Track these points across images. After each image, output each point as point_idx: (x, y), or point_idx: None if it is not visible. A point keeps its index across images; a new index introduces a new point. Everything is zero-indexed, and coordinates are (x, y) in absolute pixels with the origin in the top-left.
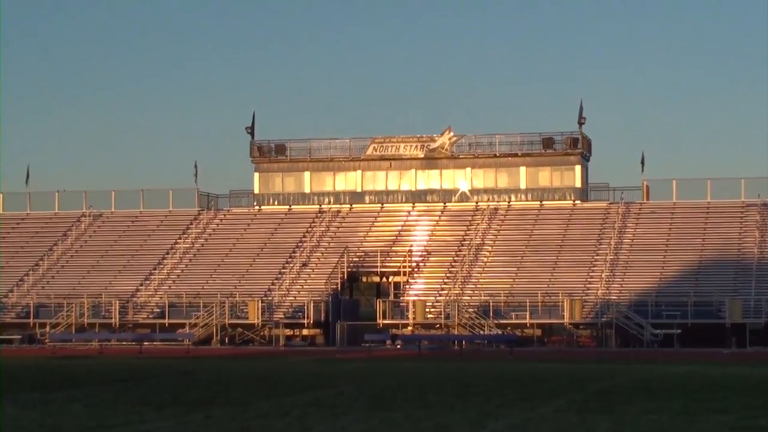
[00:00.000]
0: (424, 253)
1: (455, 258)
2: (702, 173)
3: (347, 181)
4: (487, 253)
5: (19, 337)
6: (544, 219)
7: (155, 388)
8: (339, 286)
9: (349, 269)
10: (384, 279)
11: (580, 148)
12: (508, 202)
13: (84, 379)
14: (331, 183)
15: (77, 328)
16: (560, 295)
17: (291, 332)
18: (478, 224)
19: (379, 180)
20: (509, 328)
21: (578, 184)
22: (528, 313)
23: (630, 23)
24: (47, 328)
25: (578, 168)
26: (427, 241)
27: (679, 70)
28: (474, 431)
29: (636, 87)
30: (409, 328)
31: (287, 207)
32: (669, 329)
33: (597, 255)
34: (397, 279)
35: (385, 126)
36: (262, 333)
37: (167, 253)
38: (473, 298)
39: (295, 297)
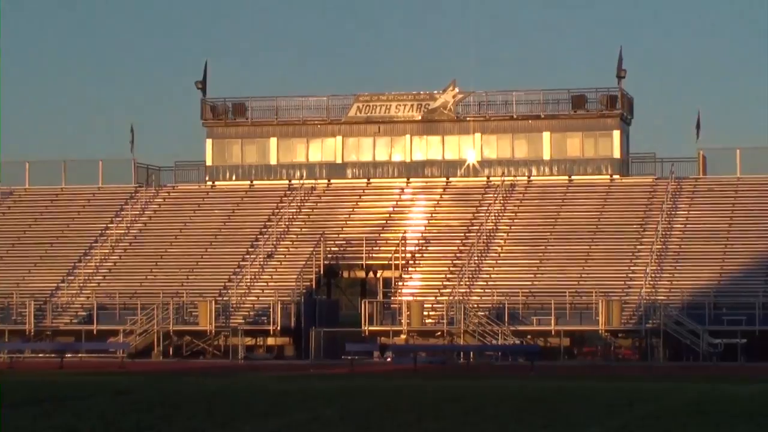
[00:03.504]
0: (421, 242)
1: (461, 248)
2: None
3: (324, 149)
4: (502, 241)
5: None
6: (573, 198)
7: (82, 411)
8: (314, 283)
9: (326, 262)
10: (371, 274)
11: (619, 109)
12: (528, 177)
13: None
14: (303, 152)
15: None
16: (594, 294)
17: (252, 341)
18: (490, 205)
19: (365, 148)
20: (529, 336)
21: (617, 153)
22: (553, 317)
23: None
24: None
25: (617, 134)
26: (426, 225)
27: (743, 11)
28: None
29: (689, 31)
30: (403, 336)
31: (248, 182)
32: (731, 338)
33: (640, 244)
34: (387, 274)
35: (373, 80)
36: (216, 342)
37: (96, 241)
38: (484, 298)
39: (257, 297)
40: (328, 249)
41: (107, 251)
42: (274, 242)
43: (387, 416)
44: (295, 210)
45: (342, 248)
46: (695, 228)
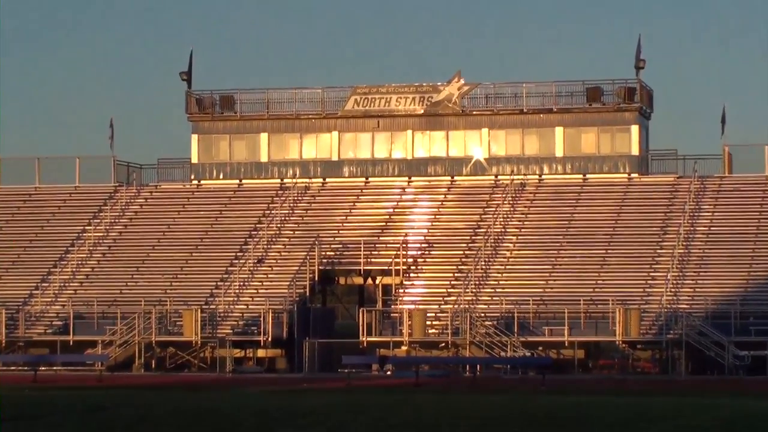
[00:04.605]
0: (424, 245)
1: (467, 252)
2: None
3: (319, 145)
4: (511, 245)
5: None
6: (588, 198)
7: (56, 429)
8: (307, 290)
9: (321, 267)
10: (369, 280)
11: (637, 102)
12: (540, 175)
13: None
14: (296, 149)
15: None
16: (610, 302)
17: (241, 353)
18: (498, 205)
19: (363, 145)
20: (541, 348)
21: (635, 150)
22: (566, 327)
23: None
24: None
25: (635, 129)
26: (429, 228)
27: None
28: None
29: (713, 18)
30: (404, 347)
31: (237, 181)
32: (759, 350)
33: (661, 248)
34: (387, 280)
35: (371, 71)
36: (202, 354)
37: (72, 245)
38: (491, 307)
39: (247, 305)
40: (323, 253)
41: (85, 256)
42: (265, 246)
43: None
44: (287, 211)
45: (338, 253)
46: (720, 231)
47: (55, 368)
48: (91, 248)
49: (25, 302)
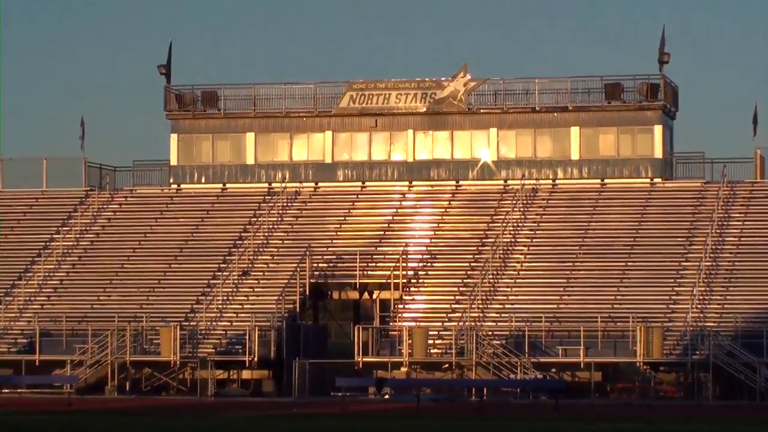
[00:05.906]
0: (426, 257)
1: (473, 264)
2: None
3: (311, 146)
4: (521, 256)
5: None
6: (607, 206)
7: None
8: (298, 305)
9: (313, 280)
10: (365, 295)
11: (661, 100)
12: (553, 180)
13: None
14: (286, 150)
15: None
16: (630, 320)
17: (225, 375)
18: (507, 213)
19: (360, 146)
20: (554, 369)
21: (658, 153)
22: (582, 347)
23: None
24: None
25: (658, 129)
26: (431, 237)
27: None
28: None
29: (743, 8)
30: (403, 369)
31: (220, 185)
32: None
33: (686, 260)
34: (385, 295)
35: (369, 66)
36: (181, 376)
37: (39, 255)
38: (499, 324)
39: (231, 322)
40: (315, 265)
41: (52, 267)
42: (251, 257)
43: None
44: (275, 218)
45: (331, 264)
46: (751, 241)
47: (19, 390)
48: (59, 259)
49: None
